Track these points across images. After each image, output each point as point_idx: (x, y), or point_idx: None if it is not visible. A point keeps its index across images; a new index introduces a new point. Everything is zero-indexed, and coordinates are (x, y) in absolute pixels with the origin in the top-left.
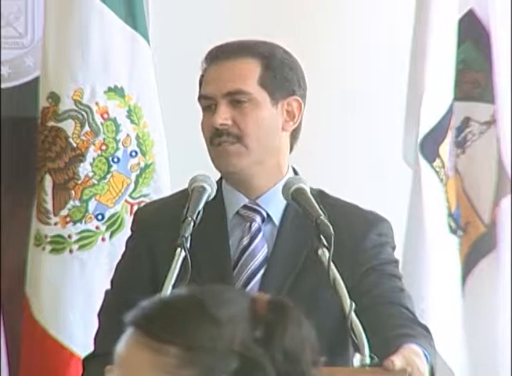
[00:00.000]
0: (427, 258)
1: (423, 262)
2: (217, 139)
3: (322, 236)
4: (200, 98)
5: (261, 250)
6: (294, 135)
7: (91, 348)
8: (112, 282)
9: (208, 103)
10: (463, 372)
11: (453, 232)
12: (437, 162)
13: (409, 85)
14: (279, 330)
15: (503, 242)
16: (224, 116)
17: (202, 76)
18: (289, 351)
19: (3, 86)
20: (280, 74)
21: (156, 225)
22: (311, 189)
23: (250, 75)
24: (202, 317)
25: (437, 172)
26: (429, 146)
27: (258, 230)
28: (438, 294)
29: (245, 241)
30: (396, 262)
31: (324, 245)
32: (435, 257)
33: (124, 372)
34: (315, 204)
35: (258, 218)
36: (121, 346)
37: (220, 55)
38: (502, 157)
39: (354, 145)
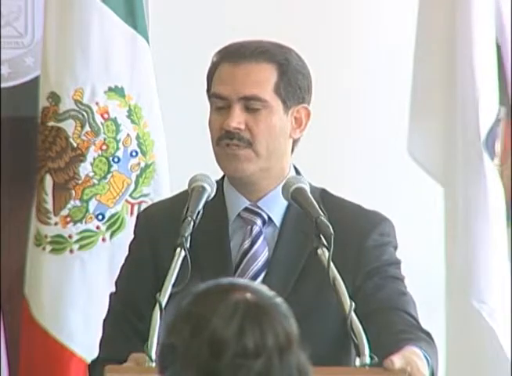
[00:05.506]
0: (492, 255)
1: (487, 260)
2: (226, 140)
3: (321, 236)
4: (213, 96)
5: (262, 253)
6: (297, 139)
7: (92, 349)
8: (116, 286)
9: (221, 104)
10: None
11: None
12: (495, 160)
13: (413, 79)
14: (204, 323)
15: None
16: (238, 120)
17: (213, 70)
18: (212, 343)
19: (3, 86)
20: (294, 81)
21: (158, 228)
22: (314, 187)
23: (267, 82)
24: None
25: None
26: (489, 144)
27: (259, 233)
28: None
29: (246, 244)
30: (398, 262)
31: (324, 245)
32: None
33: None
34: (315, 204)
35: (259, 221)
36: None
37: (237, 54)
38: None
39: (356, 143)
